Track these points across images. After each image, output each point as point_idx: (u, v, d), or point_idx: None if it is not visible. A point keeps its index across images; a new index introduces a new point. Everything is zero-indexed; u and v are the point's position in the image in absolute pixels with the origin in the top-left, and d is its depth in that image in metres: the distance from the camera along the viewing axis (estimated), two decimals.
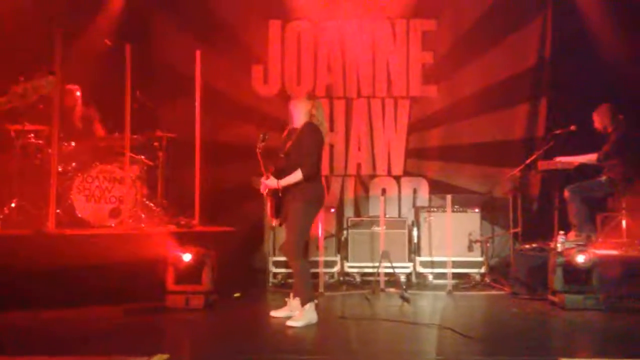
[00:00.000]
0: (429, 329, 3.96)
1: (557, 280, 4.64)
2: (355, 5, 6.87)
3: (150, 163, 6.00)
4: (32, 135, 5.56)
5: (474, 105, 6.74)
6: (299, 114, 4.23)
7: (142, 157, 5.92)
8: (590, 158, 5.48)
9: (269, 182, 4.15)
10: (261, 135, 4.19)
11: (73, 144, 5.71)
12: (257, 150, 4.14)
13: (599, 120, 5.50)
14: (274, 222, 4.34)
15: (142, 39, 6.38)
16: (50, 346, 3.46)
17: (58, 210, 5.24)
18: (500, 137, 6.72)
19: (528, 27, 6.75)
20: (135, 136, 5.70)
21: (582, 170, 5.50)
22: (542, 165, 5.59)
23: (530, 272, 5.14)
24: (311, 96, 4.37)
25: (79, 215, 5.45)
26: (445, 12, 6.86)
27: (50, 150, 5.29)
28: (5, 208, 5.32)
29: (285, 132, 4.34)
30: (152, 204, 5.85)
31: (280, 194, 4.15)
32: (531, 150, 6.16)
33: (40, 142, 5.54)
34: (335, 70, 6.91)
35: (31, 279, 4.43)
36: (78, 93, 5.95)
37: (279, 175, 4.14)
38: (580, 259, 4.55)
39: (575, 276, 4.61)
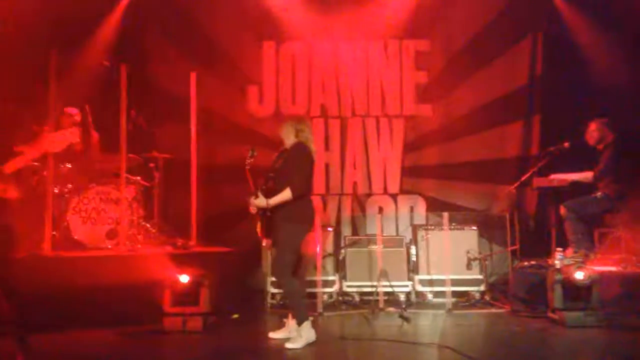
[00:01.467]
0: (429, 349, 3.93)
1: (556, 297, 4.63)
2: (349, 26, 6.94)
3: (147, 184, 5.99)
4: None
5: (469, 124, 6.79)
6: (287, 135, 4.26)
7: (139, 178, 5.90)
8: (585, 176, 5.51)
9: (258, 202, 4.13)
10: (250, 152, 4.21)
11: (69, 165, 5.69)
12: (246, 166, 4.15)
13: (592, 136, 5.55)
14: (264, 242, 4.31)
15: (137, 60, 6.40)
16: None
17: (54, 232, 5.20)
18: (495, 155, 6.77)
19: (519, 45, 6.85)
20: (131, 157, 5.69)
21: (578, 186, 5.53)
22: (538, 182, 5.62)
23: (529, 290, 5.12)
24: (295, 117, 4.41)
25: (75, 237, 5.40)
26: (437, 32, 6.95)
27: (45, 173, 5.26)
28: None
29: (278, 152, 4.35)
30: (148, 225, 5.82)
31: (269, 213, 4.13)
32: (526, 167, 6.20)
33: (36, 164, 5.51)
34: (330, 90, 6.97)
35: (27, 302, 4.36)
36: (77, 117, 5.92)
37: (269, 194, 4.12)
38: (579, 275, 4.54)
39: (575, 293, 4.59)
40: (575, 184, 5.51)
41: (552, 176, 5.56)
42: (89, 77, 6.24)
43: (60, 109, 5.57)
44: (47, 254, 4.90)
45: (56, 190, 5.38)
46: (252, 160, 4.17)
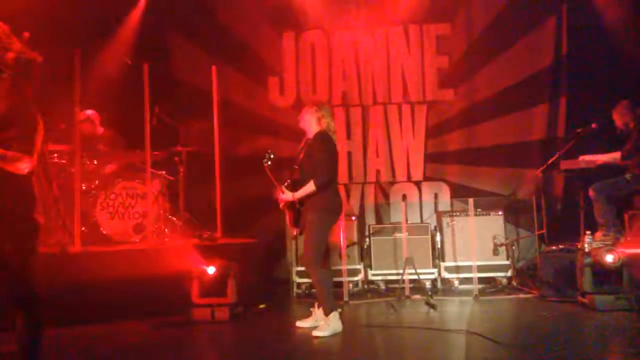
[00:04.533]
0: (456, 335, 3.91)
1: (586, 281, 4.55)
2: (368, 12, 6.89)
3: (172, 178, 6.07)
4: (56, 155, 5.66)
5: (492, 107, 6.69)
6: (309, 124, 4.25)
7: (163, 172, 5.99)
8: (614, 157, 5.38)
9: (285, 196, 4.19)
10: (267, 155, 4.24)
11: (95, 162, 5.80)
12: (265, 167, 4.17)
13: (619, 117, 5.40)
14: (294, 232, 4.37)
15: (159, 57, 6.48)
16: None
17: (83, 228, 5.32)
18: (520, 139, 6.66)
19: (543, 25, 6.70)
20: (155, 152, 5.77)
21: (606, 168, 5.40)
22: (565, 165, 5.51)
23: (558, 274, 5.05)
24: (314, 103, 4.37)
25: (104, 232, 5.52)
26: (458, 16, 6.84)
27: (73, 170, 5.38)
28: None
29: (302, 143, 4.36)
30: (174, 219, 5.91)
31: (297, 205, 4.16)
32: (552, 150, 6.08)
33: (64, 161, 5.64)
34: (350, 78, 6.93)
35: (58, 297, 4.48)
36: (96, 119, 6.02)
37: (295, 186, 4.16)
38: (609, 258, 4.46)
39: (605, 276, 4.51)
40: (603, 165, 5.38)
41: (580, 157, 5.45)
42: (113, 76, 6.34)
43: (83, 108, 5.66)
44: (77, 249, 5.02)
45: (84, 187, 5.49)
46: (269, 162, 4.19)
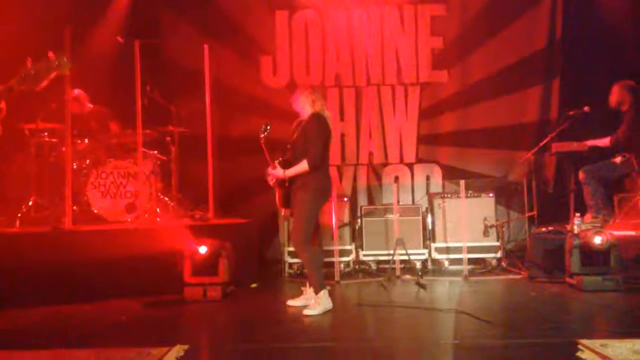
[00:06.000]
0: (446, 315, 3.96)
1: (574, 262, 4.61)
2: None
3: (164, 158, 6.05)
4: (46, 133, 5.62)
5: (486, 89, 6.69)
6: (302, 106, 4.26)
7: (155, 152, 5.96)
8: (605, 142, 5.40)
9: (276, 172, 4.18)
10: (263, 126, 4.21)
11: (86, 141, 5.77)
12: (261, 140, 4.16)
13: (615, 95, 5.42)
14: (283, 212, 4.37)
15: (150, 35, 6.40)
16: (71, 339, 3.52)
17: (74, 207, 5.31)
18: (513, 121, 6.67)
19: (538, 7, 6.67)
20: (147, 131, 5.74)
21: (597, 151, 5.43)
22: (556, 147, 5.53)
23: (546, 255, 5.11)
24: (307, 88, 4.37)
25: (95, 211, 5.52)
26: None
27: (64, 148, 5.35)
28: (23, 206, 5.40)
29: (294, 124, 4.35)
30: (166, 198, 5.90)
31: (287, 184, 4.17)
32: (545, 132, 6.10)
33: (54, 140, 5.61)
34: (344, 58, 6.89)
35: (50, 275, 4.51)
36: (84, 99, 5.96)
37: (287, 165, 4.16)
38: (597, 240, 4.51)
39: (593, 258, 4.57)
40: (594, 148, 5.41)
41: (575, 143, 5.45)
42: (104, 54, 6.27)
43: (74, 87, 5.61)
44: (69, 228, 5.02)
45: (75, 166, 5.46)
46: (265, 134, 4.18)
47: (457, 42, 6.78)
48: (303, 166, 4.09)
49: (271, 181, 4.28)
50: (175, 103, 6.45)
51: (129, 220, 5.54)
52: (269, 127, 4.20)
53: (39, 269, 4.51)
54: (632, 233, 4.95)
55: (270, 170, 4.22)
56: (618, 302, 4.26)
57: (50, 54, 3.03)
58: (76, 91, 5.85)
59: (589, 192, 5.32)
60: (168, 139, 6.07)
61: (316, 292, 4.10)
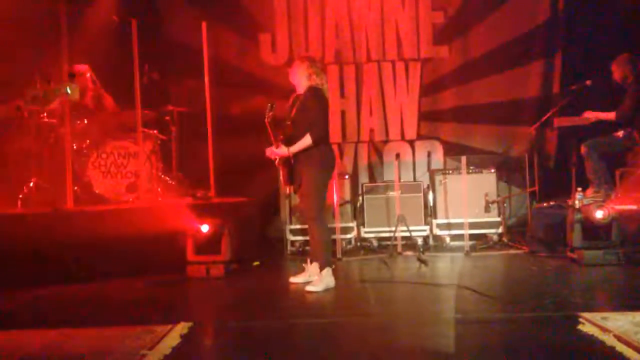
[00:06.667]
0: (447, 289, 3.98)
1: (575, 236, 4.61)
2: None
3: (164, 137, 6.03)
4: (45, 114, 5.58)
5: (487, 64, 6.63)
6: (300, 79, 4.19)
7: (155, 131, 5.94)
8: (609, 116, 5.35)
9: (280, 151, 4.16)
10: (269, 105, 4.17)
11: (86, 121, 5.74)
12: (266, 120, 4.13)
13: (619, 70, 5.35)
14: (289, 190, 4.35)
15: (147, 14, 6.32)
16: (74, 319, 3.54)
17: (76, 188, 5.31)
18: (514, 96, 6.62)
19: None
20: (146, 111, 5.71)
21: (600, 125, 5.39)
22: (558, 121, 5.50)
23: (548, 230, 5.12)
24: (305, 59, 4.30)
25: (97, 192, 5.52)
26: None
27: (62, 129, 5.32)
28: (24, 187, 5.40)
29: (291, 99, 4.31)
30: (167, 178, 5.90)
31: (292, 161, 4.15)
32: (547, 107, 6.06)
33: (54, 120, 5.57)
34: (344, 34, 6.81)
35: (52, 256, 4.53)
36: (88, 74, 5.92)
37: (287, 142, 4.13)
38: (598, 214, 4.51)
39: (594, 232, 4.57)
40: (596, 122, 5.37)
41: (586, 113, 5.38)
42: (100, 33, 6.19)
43: (70, 65, 5.55)
44: (70, 208, 5.02)
45: (75, 146, 5.45)
46: (272, 113, 4.14)
47: (459, 16, 6.70)
48: (307, 141, 4.06)
49: (276, 161, 4.26)
50: (174, 82, 6.41)
51: (131, 200, 5.54)
52: (275, 106, 4.16)
53: (41, 249, 4.53)
54: (634, 207, 4.95)
55: (274, 149, 4.19)
56: (619, 276, 4.28)
57: (73, 84, 3.00)
58: (82, 67, 5.79)
59: (590, 166, 5.30)
60: (168, 118, 6.04)
61: (321, 269, 4.11)
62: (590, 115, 5.34)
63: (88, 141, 5.66)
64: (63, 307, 3.92)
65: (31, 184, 5.40)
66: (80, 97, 5.78)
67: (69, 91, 3.01)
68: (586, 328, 2.92)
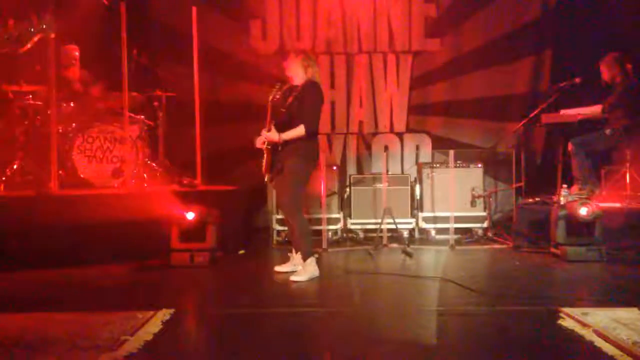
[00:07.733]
0: (431, 282, 4.00)
1: (559, 233, 4.65)
2: None
3: (151, 123, 5.97)
4: (30, 96, 5.50)
5: (478, 59, 6.63)
6: (296, 72, 4.19)
7: (142, 116, 5.87)
8: (595, 110, 5.40)
9: (271, 135, 4.13)
10: (277, 84, 4.15)
11: (72, 104, 5.66)
12: (270, 98, 4.10)
13: (607, 70, 5.38)
14: (266, 177, 4.31)
15: None
16: (56, 303, 3.51)
17: (60, 171, 5.25)
18: (504, 91, 6.64)
19: None
20: (133, 94, 5.64)
21: (587, 123, 5.43)
22: (546, 118, 5.52)
23: (532, 226, 5.16)
24: (300, 52, 4.28)
25: (82, 176, 5.45)
26: None
27: (49, 112, 5.24)
28: (7, 170, 5.32)
29: (286, 87, 4.28)
30: (154, 164, 5.84)
31: (279, 148, 4.13)
32: (535, 104, 6.08)
33: (39, 103, 5.49)
34: (335, 24, 6.77)
35: (35, 240, 4.48)
36: (76, 53, 5.84)
37: (279, 129, 4.11)
38: (582, 211, 4.55)
39: (578, 229, 4.62)
40: (584, 120, 5.40)
41: (562, 111, 5.46)
42: (89, 15, 6.09)
43: (59, 46, 5.47)
44: (54, 192, 4.96)
45: (60, 130, 5.37)
46: (278, 95, 4.11)
47: (451, 10, 6.68)
48: (300, 131, 4.05)
49: (263, 144, 4.22)
50: (162, 67, 6.34)
51: (116, 185, 5.49)
52: (282, 87, 4.14)
53: (24, 233, 4.47)
54: (618, 205, 5.00)
55: (264, 132, 4.16)
56: (600, 273, 4.33)
57: (34, 15, 2.90)
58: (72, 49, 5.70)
59: (577, 163, 5.34)
60: (156, 104, 5.98)
61: (304, 259, 4.12)
62: (571, 113, 5.36)
63: (74, 124, 5.58)
64: (44, 292, 3.89)
65: (15, 167, 5.33)
66: (66, 75, 5.71)
67: (44, 26, 2.86)
68: (566, 323, 2.95)
